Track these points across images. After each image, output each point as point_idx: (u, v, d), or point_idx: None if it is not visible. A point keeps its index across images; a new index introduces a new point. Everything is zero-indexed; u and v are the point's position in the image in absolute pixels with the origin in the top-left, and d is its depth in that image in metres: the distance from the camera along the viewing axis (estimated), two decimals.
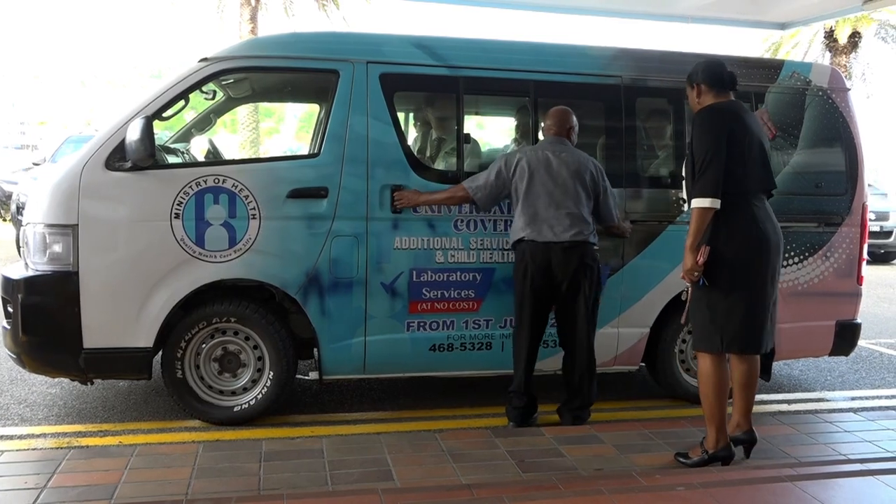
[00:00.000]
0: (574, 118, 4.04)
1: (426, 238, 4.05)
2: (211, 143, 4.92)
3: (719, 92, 3.36)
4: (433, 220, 4.06)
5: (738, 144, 3.23)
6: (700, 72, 3.41)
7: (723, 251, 3.22)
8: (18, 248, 8.54)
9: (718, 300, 3.27)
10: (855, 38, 19.57)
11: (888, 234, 13.39)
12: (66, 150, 11.34)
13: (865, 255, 4.68)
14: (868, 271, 4.77)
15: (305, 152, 5.03)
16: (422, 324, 4.10)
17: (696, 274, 3.24)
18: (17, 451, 3.51)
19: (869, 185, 4.92)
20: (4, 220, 14.02)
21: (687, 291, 3.41)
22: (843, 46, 19.68)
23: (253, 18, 19.60)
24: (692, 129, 3.32)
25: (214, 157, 4.79)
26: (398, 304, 4.05)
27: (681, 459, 3.43)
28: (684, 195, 3.47)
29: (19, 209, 9.60)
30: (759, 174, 3.31)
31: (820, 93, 4.60)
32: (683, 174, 3.45)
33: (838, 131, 4.62)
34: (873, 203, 15.01)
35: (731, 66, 4.42)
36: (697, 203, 3.18)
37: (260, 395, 3.92)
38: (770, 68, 4.62)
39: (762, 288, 3.29)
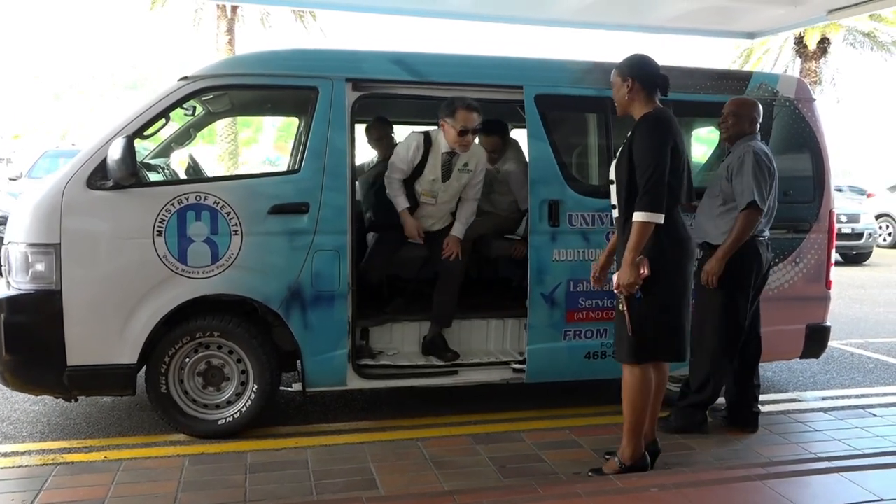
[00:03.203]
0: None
1: (581, 249, 4.24)
2: (191, 157, 4.95)
3: (652, 94, 3.31)
4: (587, 232, 4.26)
5: (678, 157, 3.24)
6: (636, 68, 3.31)
7: (663, 263, 3.21)
8: None
9: (658, 312, 3.25)
10: (824, 44, 19.93)
11: (859, 235, 13.64)
12: (43, 165, 11.27)
13: (833, 260, 4.82)
14: (840, 272, 4.91)
15: (284, 163, 5.08)
16: (577, 332, 4.30)
17: (636, 287, 3.17)
18: (2, 468, 3.54)
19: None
20: None
21: (621, 304, 3.27)
22: (813, 52, 20.04)
23: (230, 30, 19.58)
24: (634, 135, 3.25)
25: (195, 172, 4.83)
26: (556, 314, 4.25)
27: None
28: (614, 201, 3.41)
29: None
30: (687, 186, 3.36)
31: (787, 103, 4.72)
32: (612, 178, 3.38)
33: (805, 140, 4.74)
34: (849, 205, 15.24)
35: (702, 79, 4.58)
36: (644, 217, 3.12)
37: (244, 408, 3.96)
38: (739, 80, 4.75)
39: (687, 296, 3.36)
